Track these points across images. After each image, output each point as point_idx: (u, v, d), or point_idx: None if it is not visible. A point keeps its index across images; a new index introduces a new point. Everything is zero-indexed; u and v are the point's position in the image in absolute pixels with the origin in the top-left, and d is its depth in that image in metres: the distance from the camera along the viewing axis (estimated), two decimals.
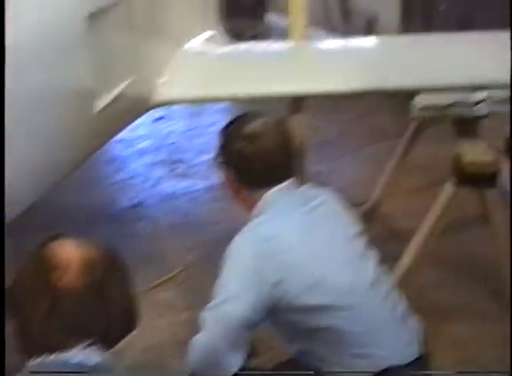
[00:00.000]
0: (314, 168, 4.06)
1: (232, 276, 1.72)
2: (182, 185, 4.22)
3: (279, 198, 1.84)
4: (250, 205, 1.87)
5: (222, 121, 5.01)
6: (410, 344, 1.83)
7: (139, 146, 4.78)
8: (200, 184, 4.15)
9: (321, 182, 4.00)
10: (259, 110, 1.98)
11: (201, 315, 1.71)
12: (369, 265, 1.85)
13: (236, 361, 1.70)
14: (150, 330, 2.67)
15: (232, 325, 1.68)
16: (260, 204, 1.85)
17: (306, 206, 1.86)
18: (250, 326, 1.71)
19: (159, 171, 4.41)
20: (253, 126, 1.85)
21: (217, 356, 1.68)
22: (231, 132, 1.90)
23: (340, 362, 1.75)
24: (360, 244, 1.89)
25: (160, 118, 5.10)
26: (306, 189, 1.94)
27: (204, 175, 4.18)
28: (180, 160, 4.56)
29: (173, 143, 4.85)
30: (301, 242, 1.77)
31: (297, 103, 3.69)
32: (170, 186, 4.23)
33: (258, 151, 1.82)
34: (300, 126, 3.78)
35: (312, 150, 3.90)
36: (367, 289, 1.79)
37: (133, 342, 1.93)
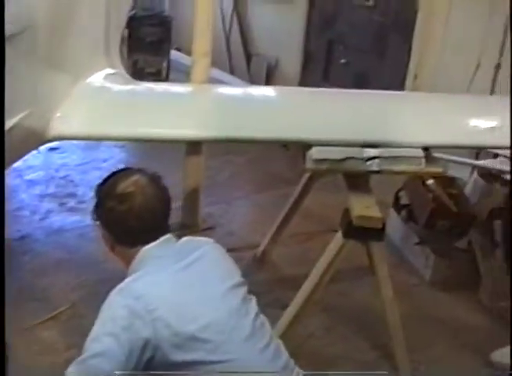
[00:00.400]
0: (206, 210, 4.11)
1: (102, 332, 1.70)
2: (71, 219, 4.11)
3: (153, 255, 1.86)
4: (126, 261, 1.89)
5: (118, 155, 5.07)
6: None
7: (30, 176, 4.65)
8: (90, 220, 4.05)
9: (212, 223, 4.13)
10: (132, 167, 2.00)
11: (67, 370, 1.67)
12: (246, 319, 1.85)
13: None
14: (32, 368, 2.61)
15: None
16: (135, 261, 1.86)
17: (181, 262, 1.85)
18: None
19: (48, 204, 4.29)
20: (124, 185, 1.86)
21: None
22: (103, 191, 1.91)
23: None
24: (237, 297, 1.89)
25: (55, 149, 4.99)
26: (185, 243, 1.95)
27: None
28: (71, 195, 4.45)
29: (65, 176, 4.74)
30: (170, 300, 1.76)
31: (194, 145, 3.75)
32: (59, 220, 4.11)
33: (129, 211, 1.83)
34: (196, 168, 3.85)
35: (205, 192, 3.95)
36: (243, 342, 1.79)
37: None
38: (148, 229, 1.86)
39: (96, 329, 1.71)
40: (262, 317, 1.93)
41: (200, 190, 3.94)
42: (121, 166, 2.38)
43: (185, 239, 1.98)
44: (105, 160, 4.99)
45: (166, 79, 6.63)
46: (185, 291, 1.80)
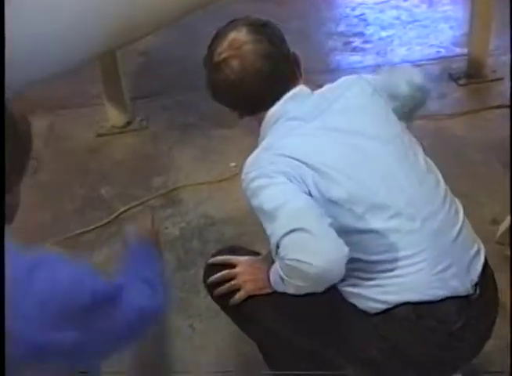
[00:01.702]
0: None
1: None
2: (350, 60, 3.96)
3: (279, 117, 1.56)
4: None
5: None
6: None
7: None
8: (370, 61, 3.89)
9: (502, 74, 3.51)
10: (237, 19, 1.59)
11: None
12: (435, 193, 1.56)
13: None
14: None
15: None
16: (261, 130, 1.59)
17: (319, 118, 1.54)
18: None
19: (333, 43, 4.17)
20: (219, 50, 1.54)
21: None
22: (204, 59, 1.61)
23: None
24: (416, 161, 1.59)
25: None
26: (323, 93, 1.61)
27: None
28: (359, 34, 4.25)
29: (360, 15, 4.53)
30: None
31: None
32: (338, 59, 4.00)
33: (225, 80, 1.54)
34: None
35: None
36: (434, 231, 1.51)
37: None
38: (257, 93, 1.55)
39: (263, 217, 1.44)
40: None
41: (488, 34, 3.45)
42: None
43: (324, 88, 1.63)
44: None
45: None
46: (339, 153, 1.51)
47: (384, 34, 4.20)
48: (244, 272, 1.60)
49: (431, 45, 3.98)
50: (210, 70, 1.59)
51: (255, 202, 1.45)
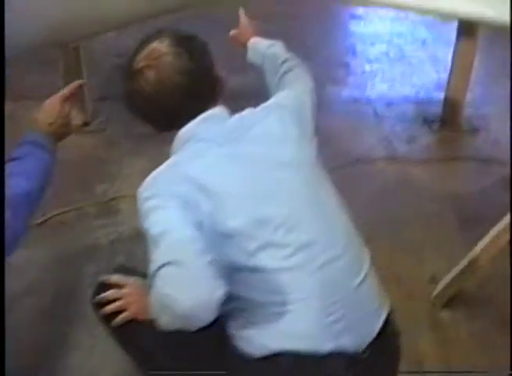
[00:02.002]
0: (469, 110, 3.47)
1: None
2: (333, 90, 3.86)
3: (189, 138, 1.48)
4: None
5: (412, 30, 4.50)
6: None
7: None
8: (350, 96, 3.78)
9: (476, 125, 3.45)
10: (163, 28, 1.54)
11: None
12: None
13: None
14: None
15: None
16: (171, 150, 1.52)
17: (231, 144, 1.47)
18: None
19: None
20: (138, 58, 1.47)
21: None
22: (125, 64, 1.52)
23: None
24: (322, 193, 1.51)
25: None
26: (241, 118, 1.54)
27: None
28: (344, 64, 4.16)
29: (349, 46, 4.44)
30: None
31: (469, 24, 3.11)
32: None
33: (141, 91, 1.47)
34: (468, 54, 3.22)
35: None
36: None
37: None
38: (171, 109, 1.48)
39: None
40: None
41: (466, 83, 3.34)
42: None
43: (244, 112, 1.56)
44: (399, 35, 4.54)
45: None
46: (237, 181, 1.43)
47: (368, 67, 4.10)
48: (131, 294, 1.52)
49: (413, 86, 3.86)
50: (126, 79, 1.50)
51: (145, 224, 1.35)
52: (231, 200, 1.38)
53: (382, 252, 2.28)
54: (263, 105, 1.61)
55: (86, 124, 3.38)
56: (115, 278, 1.57)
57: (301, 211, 1.43)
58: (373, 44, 4.43)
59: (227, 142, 1.46)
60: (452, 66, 3.33)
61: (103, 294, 1.54)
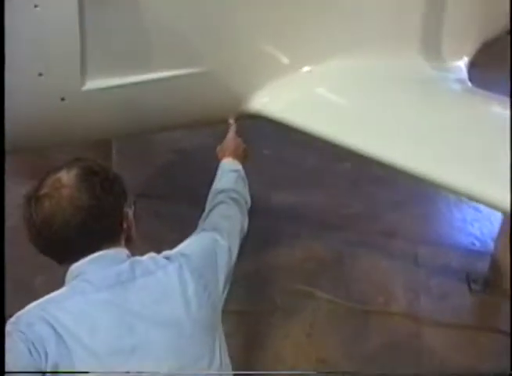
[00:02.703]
0: None
1: None
2: None
3: (76, 275, 1.43)
4: None
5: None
6: None
7: None
8: None
9: None
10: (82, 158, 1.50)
11: None
12: None
13: None
14: None
15: None
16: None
17: (108, 291, 1.39)
18: None
19: None
20: (41, 186, 1.43)
21: None
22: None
23: None
24: None
25: None
26: (133, 263, 1.44)
27: None
28: None
29: None
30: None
31: None
32: None
33: (30, 219, 1.42)
34: None
35: None
36: None
37: None
38: (60, 243, 1.41)
39: None
40: None
41: None
42: None
43: (147, 256, 1.49)
44: None
45: None
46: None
47: None
48: None
49: (470, 234, 3.51)
50: (26, 202, 1.44)
51: None
52: (85, 356, 1.31)
53: None
54: (166, 252, 1.52)
55: None
56: None
57: None
58: None
59: (106, 288, 1.39)
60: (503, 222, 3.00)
61: None
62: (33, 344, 1.29)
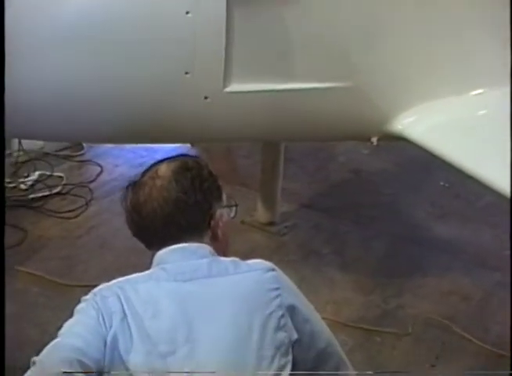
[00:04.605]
0: None
1: None
2: None
3: (158, 262, 1.51)
4: None
5: None
6: None
7: None
8: None
9: None
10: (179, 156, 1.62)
11: None
12: None
13: None
14: None
15: None
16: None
17: (182, 283, 1.45)
18: None
19: None
20: (141, 177, 1.55)
21: None
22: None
23: None
24: None
25: None
26: (212, 263, 1.48)
27: None
28: None
29: None
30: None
31: None
32: None
33: (129, 207, 1.54)
34: None
35: None
36: None
37: None
38: (151, 229, 1.52)
39: None
40: None
41: None
42: None
43: (226, 259, 1.52)
44: None
45: None
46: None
47: None
48: None
49: None
50: (125, 189, 1.59)
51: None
52: (144, 340, 1.38)
53: None
54: (257, 261, 1.54)
55: (272, 223, 3.51)
56: None
57: None
58: None
59: (180, 280, 1.45)
60: None
61: None
62: (102, 314, 1.39)
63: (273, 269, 1.50)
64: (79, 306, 1.44)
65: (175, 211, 1.49)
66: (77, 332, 1.38)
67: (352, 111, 2.32)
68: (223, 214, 1.58)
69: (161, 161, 1.57)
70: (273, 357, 1.41)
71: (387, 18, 2.26)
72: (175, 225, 1.50)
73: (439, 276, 3.24)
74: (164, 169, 1.53)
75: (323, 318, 1.66)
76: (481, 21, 2.37)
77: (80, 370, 1.30)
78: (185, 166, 1.54)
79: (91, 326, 1.38)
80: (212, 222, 1.54)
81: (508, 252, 3.40)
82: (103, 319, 1.39)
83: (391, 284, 3.17)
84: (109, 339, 1.37)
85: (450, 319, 2.92)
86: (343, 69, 2.25)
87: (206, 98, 2.09)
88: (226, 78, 2.08)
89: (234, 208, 1.64)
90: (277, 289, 1.46)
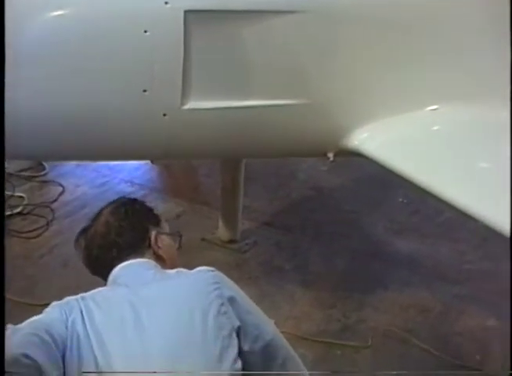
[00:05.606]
0: None
1: None
2: None
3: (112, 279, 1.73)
4: None
5: None
6: None
7: None
8: None
9: None
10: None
11: None
12: None
13: None
14: None
15: None
16: None
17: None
18: None
19: None
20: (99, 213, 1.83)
21: None
22: None
23: None
24: None
25: None
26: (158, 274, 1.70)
27: None
28: None
29: None
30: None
31: None
32: None
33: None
34: None
35: None
36: None
37: None
38: (99, 260, 1.76)
39: None
40: None
41: None
42: None
43: (170, 270, 1.73)
44: None
45: None
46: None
47: None
48: None
49: None
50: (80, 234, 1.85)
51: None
52: (90, 322, 1.54)
53: None
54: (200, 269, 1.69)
55: (232, 241, 3.54)
56: None
57: None
58: None
59: (130, 285, 1.65)
60: None
61: None
62: (63, 308, 1.57)
63: (213, 271, 1.67)
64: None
65: (115, 237, 1.75)
66: (40, 317, 1.56)
67: (309, 127, 2.37)
68: (164, 238, 1.81)
69: (105, 207, 1.84)
70: (216, 338, 1.53)
71: (341, 37, 2.32)
72: (117, 248, 1.74)
73: (399, 290, 3.30)
74: (104, 209, 1.82)
75: (283, 332, 1.77)
76: (434, 36, 2.43)
77: (47, 339, 1.45)
78: (120, 203, 1.84)
79: (53, 312, 1.56)
80: (152, 243, 1.77)
81: (468, 266, 3.51)
82: (64, 311, 1.56)
83: (352, 299, 3.22)
84: (69, 322, 1.53)
85: (410, 332, 2.98)
86: (299, 86, 2.30)
87: (164, 115, 2.14)
88: (184, 96, 2.13)
89: (178, 239, 1.87)
90: (216, 283, 1.61)
